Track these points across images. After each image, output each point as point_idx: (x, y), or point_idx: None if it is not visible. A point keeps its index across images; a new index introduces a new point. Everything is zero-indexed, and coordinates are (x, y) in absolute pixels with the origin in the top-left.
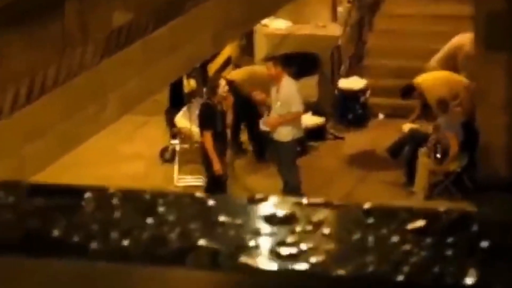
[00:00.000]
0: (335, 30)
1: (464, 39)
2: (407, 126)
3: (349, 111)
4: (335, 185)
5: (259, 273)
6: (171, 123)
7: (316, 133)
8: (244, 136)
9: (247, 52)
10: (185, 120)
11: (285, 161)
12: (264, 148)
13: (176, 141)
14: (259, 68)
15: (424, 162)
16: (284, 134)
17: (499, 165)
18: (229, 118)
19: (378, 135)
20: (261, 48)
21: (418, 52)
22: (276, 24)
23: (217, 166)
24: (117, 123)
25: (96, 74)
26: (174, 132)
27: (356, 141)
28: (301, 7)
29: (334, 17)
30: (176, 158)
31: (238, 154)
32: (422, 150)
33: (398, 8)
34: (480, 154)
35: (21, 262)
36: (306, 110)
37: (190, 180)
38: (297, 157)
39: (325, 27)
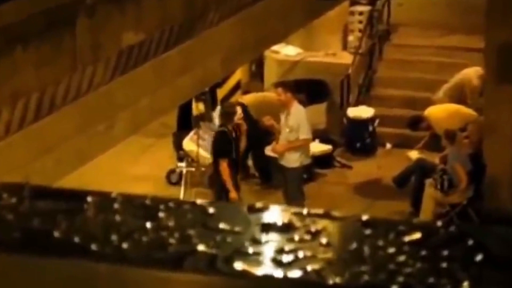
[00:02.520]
0: (345, 58)
1: (471, 72)
2: (413, 154)
3: (357, 140)
4: (340, 213)
5: (255, 279)
6: (178, 146)
7: (323, 161)
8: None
9: (257, 78)
10: (192, 143)
11: (291, 187)
12: (271, 173)
13: (183, 164)
14: (270, 95)
15: (430, 192)
16: (292, 160)
17: (505, 198)
18: (243, 144)
19: (385, 165)
20: (271, 74)
21: (427, 83)
22: (287, 51)
23: (233, 195)
24: (124, 145)
25: (106, 92)
26: (181, 155)
27: (363, 169)
28: (311, 34)
29: (345, 45)
30: (183, 181)
31: (245, 178)
32: (429, 181)
33: (409, 39)
34: (486, 186)
35: (22, 261)
36: (314, 138)
37: None
38: (304, 183)
39: (335, 55)
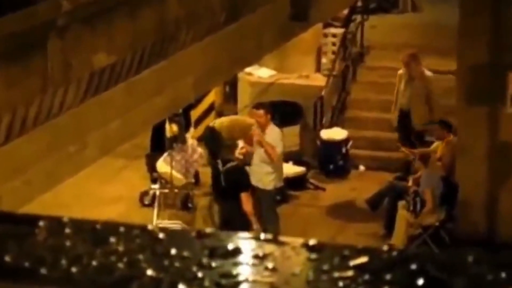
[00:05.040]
0: (318, 80)
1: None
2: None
3: (330, 162)
4: (314, 235)
5: None
6: (151, 168)
7: (296, 183)
8: None
9: (230, 100)
10: (166, 165)
11: (265, 209)
12: None
13: (156, 186)
14: (241, 118)
15: (403, 214)
16: (267, 182)
17: (477, 220)
18: None
19: (359, 187)
20: (244, 96)
21: None
22: (260, 73)
23: (257, 226)
24: (97, 167)
25: (77, 114)
26: (155, 177)
27: (336, 191)
28: (285, 56)
29: (318, 67)
30: (156, 203)
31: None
32: (402, 203)
33: (382, 61)
34: (459, 208)
35: None
36: (287, 159)
37: (168, 225)
38: (277, 205)
39: (308, 77)
